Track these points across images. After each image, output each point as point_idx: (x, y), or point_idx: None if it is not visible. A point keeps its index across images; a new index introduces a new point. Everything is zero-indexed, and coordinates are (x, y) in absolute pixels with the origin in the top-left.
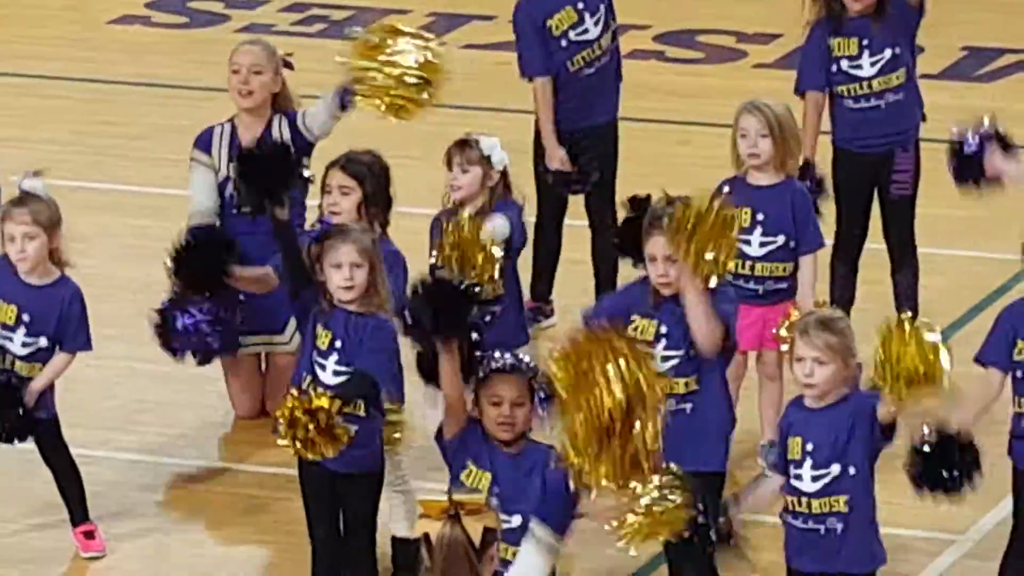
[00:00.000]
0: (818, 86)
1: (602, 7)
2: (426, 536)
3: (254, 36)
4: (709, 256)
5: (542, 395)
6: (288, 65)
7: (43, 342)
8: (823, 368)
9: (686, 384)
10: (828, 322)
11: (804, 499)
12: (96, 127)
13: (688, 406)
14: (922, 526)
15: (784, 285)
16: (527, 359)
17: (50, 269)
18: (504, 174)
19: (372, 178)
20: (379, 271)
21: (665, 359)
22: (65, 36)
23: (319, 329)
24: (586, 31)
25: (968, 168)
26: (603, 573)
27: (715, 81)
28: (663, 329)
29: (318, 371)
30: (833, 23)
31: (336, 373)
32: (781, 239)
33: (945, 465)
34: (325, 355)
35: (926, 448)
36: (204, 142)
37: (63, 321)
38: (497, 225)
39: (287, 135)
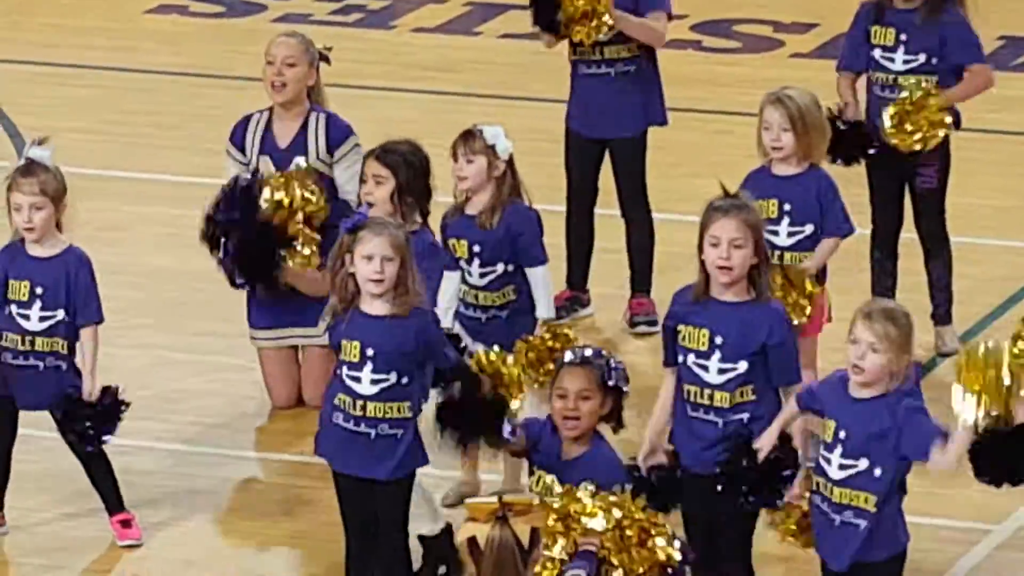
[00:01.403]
0: (851, 68)
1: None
2: (472, 539)
3: (291, 27)
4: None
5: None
6: (325, 59)
7: (60, 314)
8: (875, 356)
9: (741, 393)
10: (893, 313)
11: (828, 485)
12: (131, 116)
13: (745, 415)
14: (957, 516)
15: (814, 272)
16: (604, 354)
17: (56, 238)
18: (510, 164)
19: (407, 168)
20: (410, 268)
21: (721, 371)
22: (101, 26)
23: (344, 343)
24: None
25: None
26: None
27: (752, 71)
28: (717, 339)
29: (353, 385)
30: (878, 9)
31: (375, 382)
32: (809, 228)
33: (1012, 455)
34: (359, 367)
35: (993, 436)
36: (238, 137)
37: (72, 291)
38: None
39: (322, 136)
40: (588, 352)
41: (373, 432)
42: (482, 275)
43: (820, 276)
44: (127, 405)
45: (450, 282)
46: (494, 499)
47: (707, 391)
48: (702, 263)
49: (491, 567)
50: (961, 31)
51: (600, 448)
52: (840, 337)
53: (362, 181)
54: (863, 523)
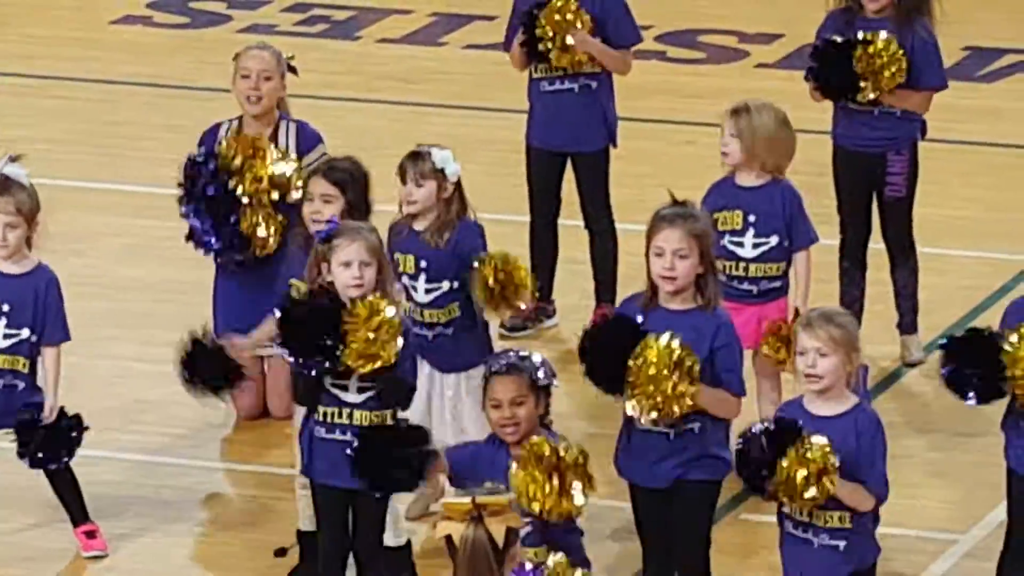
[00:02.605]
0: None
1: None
2: (448, 539)
3: (256, 38)
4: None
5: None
6: (292, 70)
7: (25, 333)
8: (825, 360)
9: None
10: (831, 315)
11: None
12: (98, 127)
13: (696, 425)
14: (922, 526)
15: (778, 284)
16: (528, 355)
17: (25, 256)
18: (458, 186)
19: (354, 185)
20: (387, 271)
21: None
22: (67, 36)
23: None
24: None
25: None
26: (604, 570)
27: (717, 81)
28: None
29: (340, 394)
30: (843, 19)
31: (362, 390)
32: (774, 239)
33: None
34: (346, 375)
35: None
36: (209, 143)
37: (40, 310)
38: None
39: (292, 144)
40: (512, 357)
41: (357, 440)
42: (427, 291)
43: (783, 291)
44: (86, 429)
45: None
46: (468, 499)
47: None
48: (649, 272)
49: (465, 566)
50: (928, 52)
51: (553, 437)
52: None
53: (308, 200)
54: (842, 543)
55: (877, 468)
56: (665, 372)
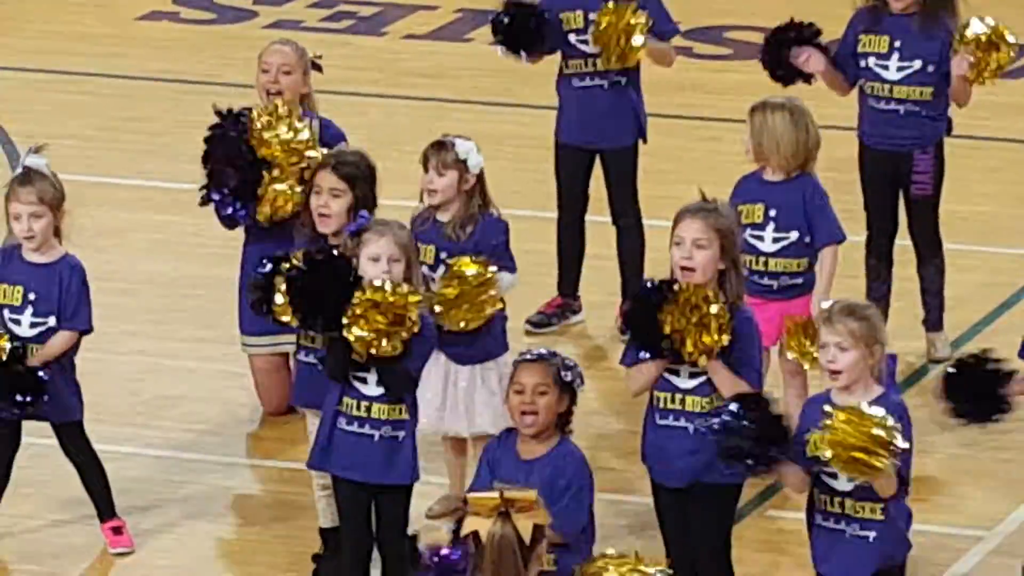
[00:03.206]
0: (844, 77)
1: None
2: (475, 535)
3: (282, 34)
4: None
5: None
6: (317, 67)
7: (51, 321)
8: (845, 354)
9: (711, 401)
10: (852, 309)
11: (838, 499)
12: (123, 123)
13: (716, 422)
14: (948, 523)
15: (800, 280)
16: (559, 354)
17: (53, 246)
18: (480, 178)
19: (362, 180)
20: (415, 268)
21: (692, 375)
22: (92, 32)
23: None
24: (585, 43)
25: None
26: None
27: (743, 77)
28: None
29: (359, 386)
30: (871, 16)
31: (380, 383)
32: (794, 235)
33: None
34: (365, 368)
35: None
36: None
37: (63, 297)
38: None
39: (317, 138)
40: (542, 351)
41: (377, 434)
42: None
43: (806, 287)
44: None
45: None
46: (496, 493)
47: (679, 396)
48: (672, 267)
49: (491, 563)
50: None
51: (567, 445)
52: None
53: (315, 193)
54: (872, 534)
55: (902, 456)
56: (697, 304)
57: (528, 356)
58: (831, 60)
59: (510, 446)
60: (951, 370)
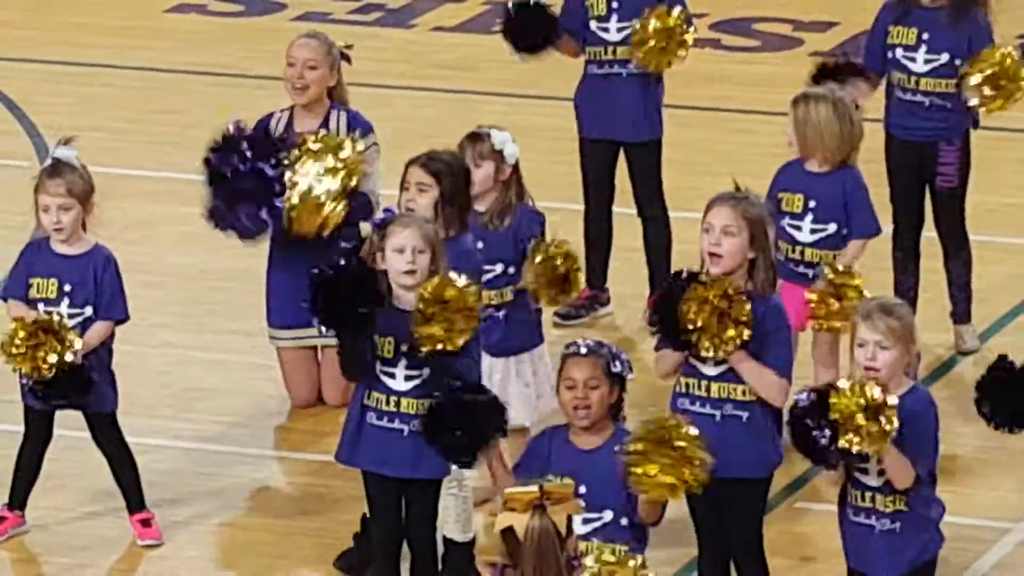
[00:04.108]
0: (872, 68)
1: (637, 22)
2: (510, 529)
3: (310, 26)
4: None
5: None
6: (346, 58)
7: (88, 311)
8: (885, 352)
9: (743, 392)
10: (890, 307)
11: (869, 493)
12: (152, 115)
13: (744, 414)
14: (976, 514)
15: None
16: (607, 344)
17: (83, 238)
18: (516, 169)
19: (450, 177)
20: (441, 260)
21: (718, 362)
22: (121, 24)
23: (377, 340)
24: (606, 30)
25: None
26: (658, 563)
27: (771, 69)
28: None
29: (388, 381)
30: (901, 7)
31: (408, 378)
32: (832, 227)
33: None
34: (393, 363)
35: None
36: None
37: (99, 288)
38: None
39: (343, 133)
40: (591, 343)
41: (406, 429)
42: (483, 273)
43: None
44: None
45: None
46: (534, 488)
47: (704, 383)
48: (702, 256)
49: (533, 557)
50: (985, 41)
51: (623, 434)
52: None
53: (404, 188)
54: (898, 525)
55: (925, 445)
56: (713, 299)
57: (578, 350)
58: (872, 84)
59: (562, 440)
60: (985, 378)
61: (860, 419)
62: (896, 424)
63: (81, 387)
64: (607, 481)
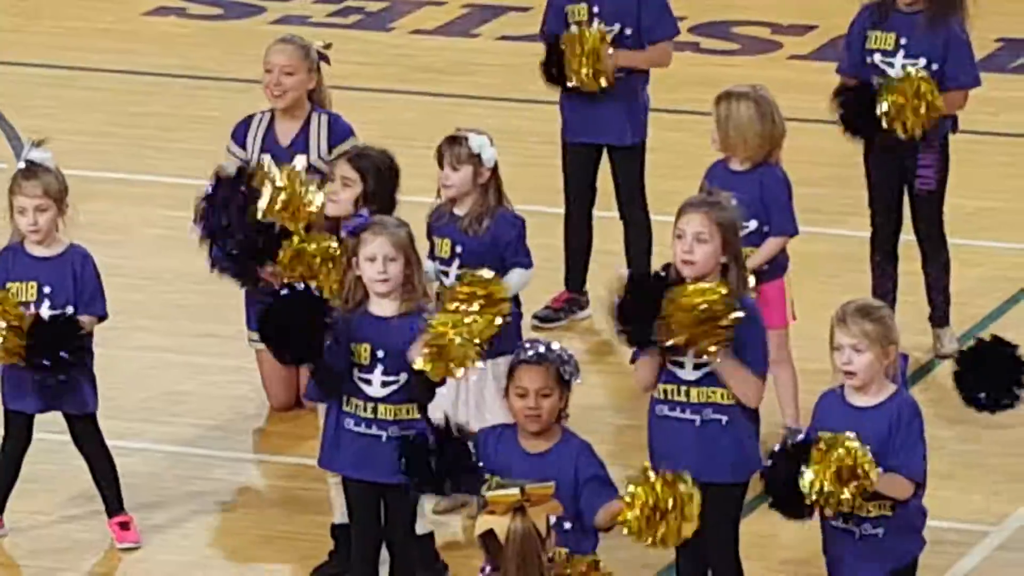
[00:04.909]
0: (850, 73)
1: (618, 26)
2: (490, 532)
3: (289, 29)
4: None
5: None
6: (325, 59)
7: (69, 311)
8: (861, 356)
9: (723, 395)
10: (868, 309)
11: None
12: (131, 118)
13: (723, 418)
14: (955, 518)
15: (766, 266)
16: (556, 348)
17: (58, 238)
18: (494, 171)
19: (376, 175)
20: (415, 265)
21: (697, 367)
22: (100, 27)
23: (353, 347)
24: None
25: None
26: (637, 566)
27: (750, 72)
28: None
29: (365, 388)
30: (879, 12)
31: (385, 384)
32: (754, 224)
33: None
34: (369, 369)
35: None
36: (240, 135)
37: (79, 286)
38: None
39: (324, 136)
40: (541, 348)
41: (384, 435)
42: (459, 277)
43: (774, 272)
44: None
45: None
46: (515, 490)
47: (683, 388)
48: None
49: (515, 559)
50: (961, 49)
51: (573, 438)
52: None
53: (329, 180)
54: (881, 531)
55: (914, 452)
56: (700, 304)
57: (529, 357)
58: None
59: (510, 440)
60: (965, 351)
61: (835, 486)
62: (874, 478)
63: (70, 337)
64: (561, 487)
